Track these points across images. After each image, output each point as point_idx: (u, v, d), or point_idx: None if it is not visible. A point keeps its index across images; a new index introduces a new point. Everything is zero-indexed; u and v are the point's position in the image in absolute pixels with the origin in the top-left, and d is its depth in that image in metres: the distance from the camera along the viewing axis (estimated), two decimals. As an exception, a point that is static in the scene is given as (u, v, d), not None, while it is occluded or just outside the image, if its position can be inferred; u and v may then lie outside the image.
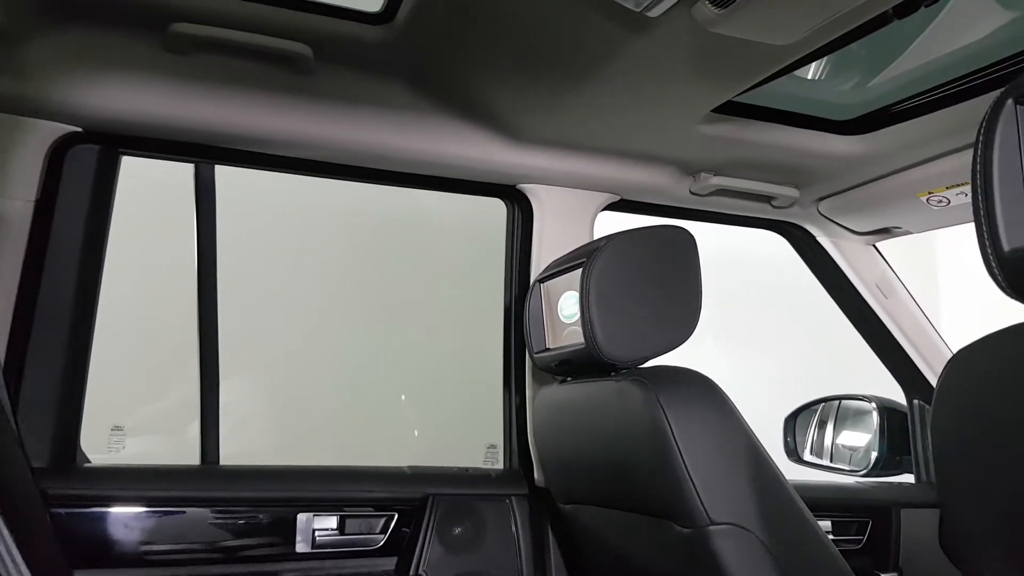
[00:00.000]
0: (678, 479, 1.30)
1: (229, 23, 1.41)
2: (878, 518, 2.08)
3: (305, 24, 1.44)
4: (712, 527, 1.29)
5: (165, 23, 1.39)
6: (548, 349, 1.64)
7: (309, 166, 1.72)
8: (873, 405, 2.29)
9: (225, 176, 1.77)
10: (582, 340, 1.45)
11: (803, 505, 1.36)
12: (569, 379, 1.65)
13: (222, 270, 1.76)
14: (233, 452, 1.78)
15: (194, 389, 1.72)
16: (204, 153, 1.66)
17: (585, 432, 1.54)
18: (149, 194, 1.83)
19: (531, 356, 1.68)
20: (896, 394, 2.28)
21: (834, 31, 1.26)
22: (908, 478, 2.26)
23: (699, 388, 1.37)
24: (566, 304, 1.57)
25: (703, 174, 1.84)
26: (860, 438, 2.38)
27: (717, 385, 1.37)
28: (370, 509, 1.74)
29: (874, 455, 2.25)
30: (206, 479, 1.68)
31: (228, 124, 1.57)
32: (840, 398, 2.43)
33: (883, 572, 2.03)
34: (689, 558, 1.35)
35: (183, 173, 1.73)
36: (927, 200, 1.85)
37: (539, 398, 1.73)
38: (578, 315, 1.46)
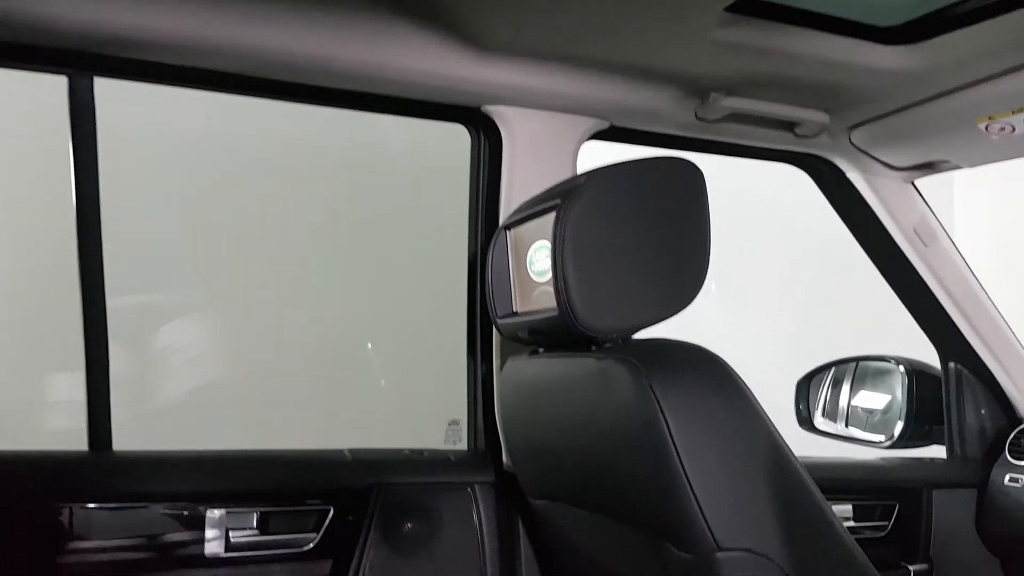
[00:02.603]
0: (676, 492, 0.99)
1: None
2: (906, 501, 1.79)
3: None
4: (720, 553, 0.99)
5: None
6: (515, 313, 1.31)
7: (217, 80, 1.35)
8: (900, 368, 1.99)
9: (123, 93, 1.41)
10: (555, 305, 1.12)
11: (836, 520, 1.05)
12: (542, 351, 1.32)
13: (124, 215, 1.42)
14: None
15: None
16: (79, 62, 1.30)
17: (559, 419, 1.22)
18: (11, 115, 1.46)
19: (495, 323, 1.35)
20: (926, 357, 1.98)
21: None
22: (937, 451, 1.97)
23: (705, 372, 1.04)
24: (537, 258, 1.23)
25: (714, 94, 1.48)
26: (882, 403, 2.08)
27: (728, 366, 1.05)
28: (299, 503, 1.44)
29: (899, 425, 1.95)
30: (93, 468, 1.37)
31: (109, 24, 1.20)
32: (860, 359, 2.13)
33: (911, 563, 1.75)
34: None
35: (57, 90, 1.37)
36: (986, 127, 1.50)
37: (506, 371, 1.41)
38: (550, 274, 1.13)
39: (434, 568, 1.49)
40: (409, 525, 1.49)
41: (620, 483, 1.10)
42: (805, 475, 1.05)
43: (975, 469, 1.85)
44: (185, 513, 1.35)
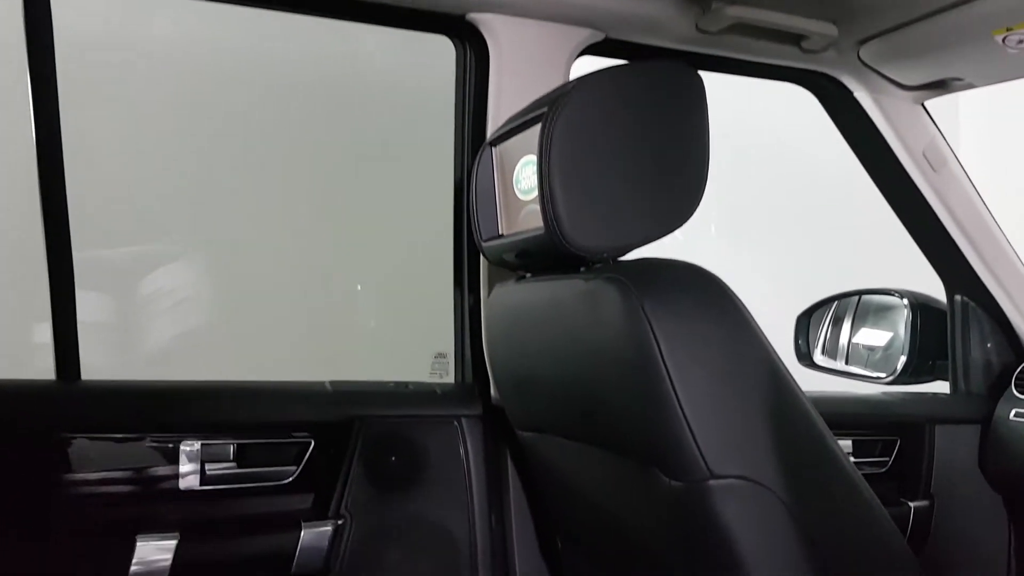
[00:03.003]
0: (667, 418, 0.93)
1: None
2: (908, 436, 1.74)
3: None
4: (713, 481, 0.93)
5: None
6: (501, 236, 1.23)
7: None
8: (904, 301, 1.92)
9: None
10: (542, 224, 1.04)
11: (840, 453, 0.99)
12: (529, 276, 1.25)
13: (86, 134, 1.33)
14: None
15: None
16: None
17: (546, 346, 1.15)
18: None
19: (479, 246, 1.27)
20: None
21: None
22: (940, 388, 1.91)
23: (700, 291, 0.97)
24: (523, 174, 1.15)
25: (716, 3, 1.38)
26: (884, 340, 2.01)
27: (725, 286, 0.98)
28: (279, 435, 1.38)
29: (902, 360, 1.89)
30: (60, 398, 1.30)
31: None
32: (862, 293, 2.06)
33: (912, 500, 1.70)
34: (679, 516, 0.99)
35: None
36: (1003, 40, 1.41)
37: (492, 299, 1.34)
38: (538, 190, 1.05)
39: (419, 502, 1.44)
40: (393, 459, 1.44)
41: (609, 410, 1.03)
42: (807, 403, 0.98)
43: (979, 404, 1.79)
44: (158, 445, 1.30)
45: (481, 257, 1.47)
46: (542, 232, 1.04)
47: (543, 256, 1.12)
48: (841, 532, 0.98)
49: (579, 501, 1.27)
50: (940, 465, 1.73)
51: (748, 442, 0.94)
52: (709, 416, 0.93)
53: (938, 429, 1.74)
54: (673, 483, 0.97)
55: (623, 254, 1.07)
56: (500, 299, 1.31)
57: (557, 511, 1.39)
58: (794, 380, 0.98)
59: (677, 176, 1.04)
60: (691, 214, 1.05)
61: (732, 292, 0.97)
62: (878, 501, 1.01)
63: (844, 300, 2.06)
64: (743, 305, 0.97)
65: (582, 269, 1.08)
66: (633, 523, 1.13)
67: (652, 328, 0.92)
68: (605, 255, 1.04)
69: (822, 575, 0.96)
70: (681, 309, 0.95)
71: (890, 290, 1.96)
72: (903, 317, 1.92)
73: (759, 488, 0.94)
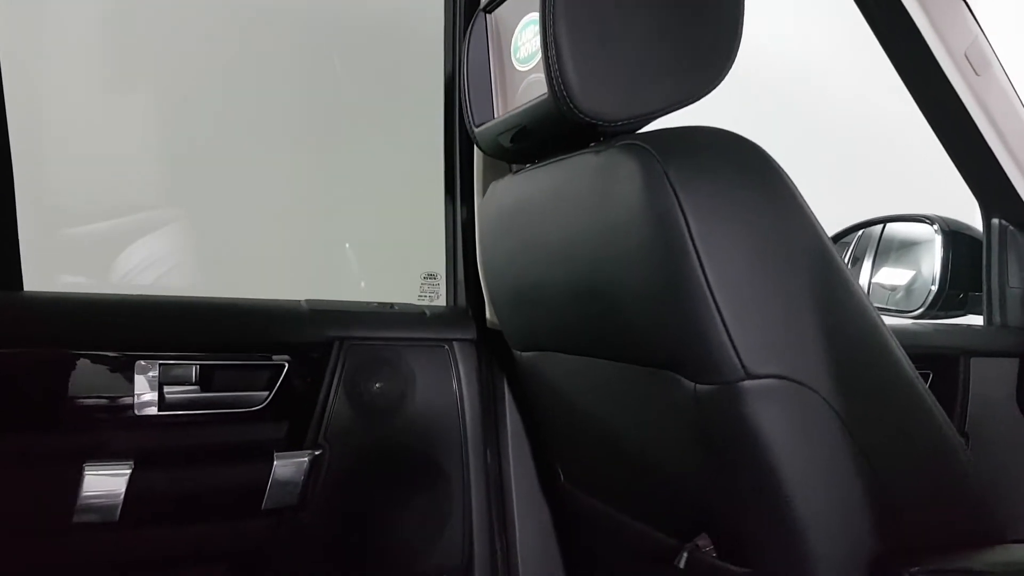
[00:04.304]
0: (695, 310, 0.78)
1: None
2: (941, 369, 1.59)
3: None
4: (748, 382, 0.78)
5: None
6: (497, 117, 1.07)
7: None
8: (935, 227, 1.76)
9: None
10: (545, 91, 0.88)
11: (902, 354, 0.84)
12: (528, 166, 1.09)
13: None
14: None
15: None
16: None
17: (548, 244, 1.00)
18: None
19: (471, 134, 1.12)
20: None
21: None
22: (972, 322, 1.77)
23: (736, 157, 0.82)
24: (522, 39, 0.99)
25: None
26: (911, 271, 1.86)
27: (768, 154, 0.82)
28: (247, 356, 1.23)
29: (932, 291, 1.74)
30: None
31: None
32: (887, 220, 1.90)
33: None
34: (704, 425, 0.85)
35: None
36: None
37: (486, 201, 1.19)
38: (539, 55, 0.89)
39: (406, 433, 1.29)
40: (377, 385, 1.29)
41: (624, 310, 0.88)
42: (863, 296, 0.83)
43: (1017, 337, 1.65)
44: (111, 365, 1.15)
45: (475, 159, 1.31)
46: (545, 100, 0.89)
47: (546, 132, 0.96)
48: (897, 444, 0.84)
49: (585, 424, 1.12)
50: (976, 400, 1.59)
51: (792, 337, 0.79)
52: (746, 306, 0.78)
53: (973, 362, 1.59)
54: (699, 387, 0.82)
55: (641, 125, 0.91)
56: (495, 198, 1.15)
57: (559, 439, 1.24)
58: (848, 269, 0.83)
59: (705, 30, 0.88)
60: (721, 78, 0.89)
61: (776, 162, 0.82)
62: (945, 417, 0.86)
63: (868, 229, 1.91)
64: (789, 178, 0.82)
65: (592, 145, 0.93)
66: (647, 441, 0.98)
67: (679, 201, 0.77)
68: (620, 124, 0.88)
69: (872, 485, 0.81)
70: (714, 178, 0.79)
71: (919, 216, 1.81)
72: (933, 245, 1.77)
73: (803, 389, 0.79)
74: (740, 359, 0.78)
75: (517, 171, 1.11)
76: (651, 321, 0.85)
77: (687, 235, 0.77)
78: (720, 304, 0.77)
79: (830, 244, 0.82)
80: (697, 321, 0.78)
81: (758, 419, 0.78)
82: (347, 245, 1.80)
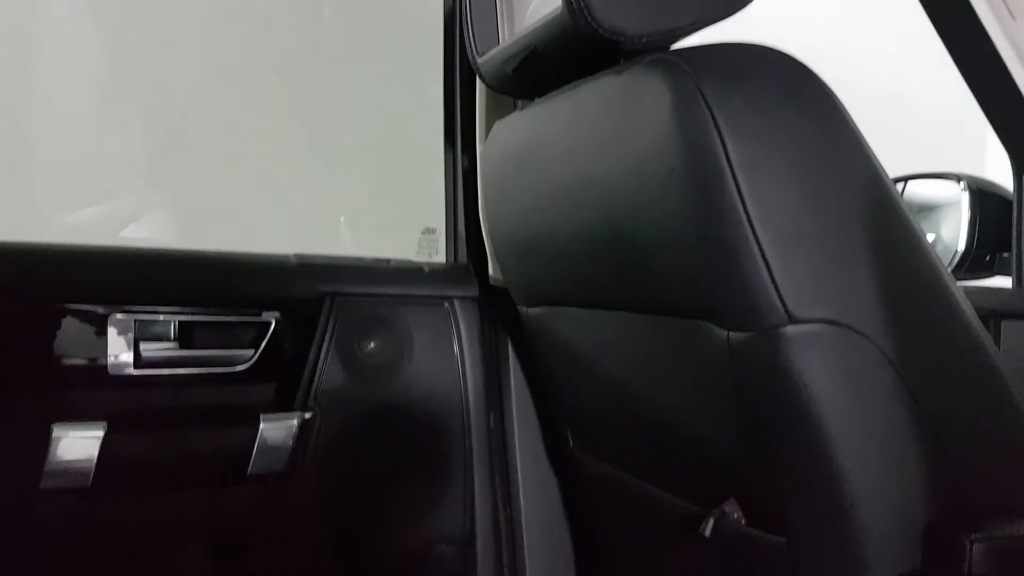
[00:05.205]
0: (732, 248, 0.69)
1: None
2: None
3: None
4: (791, 328, 0.69)
5: None
6: (503, 43, 0.97)
7: None
8: (961, 184, 1.67)
9: None
10: (559, 5, 0.79)
11: (962, 299, 0.75)
12: (538, 99, 0.99)
13: None
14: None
15: None
16: None
17: (559, 181, 0.90)
18: None
19: (474, 64, 1.02)
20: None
21: None
22: (998, 283, 1.68)
23: (779, 73, 0.72)
24: (532, -46, 0.89)
25: None
26: (934, 231, 1.78)
27: (816, 75, 0.73)
28: (231, 312, 1.14)
29: (957, 252, 1.65)
30: None
31: None
32: (908, 178, 1.81)
33: None
34: (737, 376, 0.75)
35: None
36: None
37: (489, 142, 1.09)
38: None
39: (402, 393, 1.20)
40: (372, 344, 1.20)
41: (649, 250, 0.79)
42: (920, 234, 0.74)
43: None
44: (81, 318, 1.05)
45: (478, 98, 1.22)
46: (559, 15, 0.79)
47: (559, 54, 0.86)
48: (956, 397, 0.75)
49: (599, 384, 1.03)
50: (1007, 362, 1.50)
51: (843, 277, 0.70)
52: (792, 242, 0.69)
53: (1004, 324, 1.51)
54: (733, 335, 0.73)
55: (668, 43, 0.81)
56: (499, 140, 1.05)
57: (569, 401, 1.16)
58: (898, 194, 0.74)
59: None
60: None
61: (826, 84, 0.72)
62: (1007, 368, 0.77)
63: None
64: (841, 102, 0.72)
65: (612, 67, 0.83)
66: (670, 399, 0.89)
67: (716, 122, 0.68)
68: (644, 40, 0.78)
69: (928, 442, 0.72)
70: (757, 97, 0.70)
71: (944, 173, 1.72)
72: (959, 204, 1.68)
73: (853, 335, 0.70)
74: (783, 302, 0.69)
75: (524, 107, 1.01)
76: (680, 264, 0.76)
77: (725, 162, 0.68)
78: (762, 240, 0.68)
79: (886, 176, 0.73)
80: (734, 260, 0.69)
81: (802, 369, 0.69)
82: (337, 197, 1.69)
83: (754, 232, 0.68)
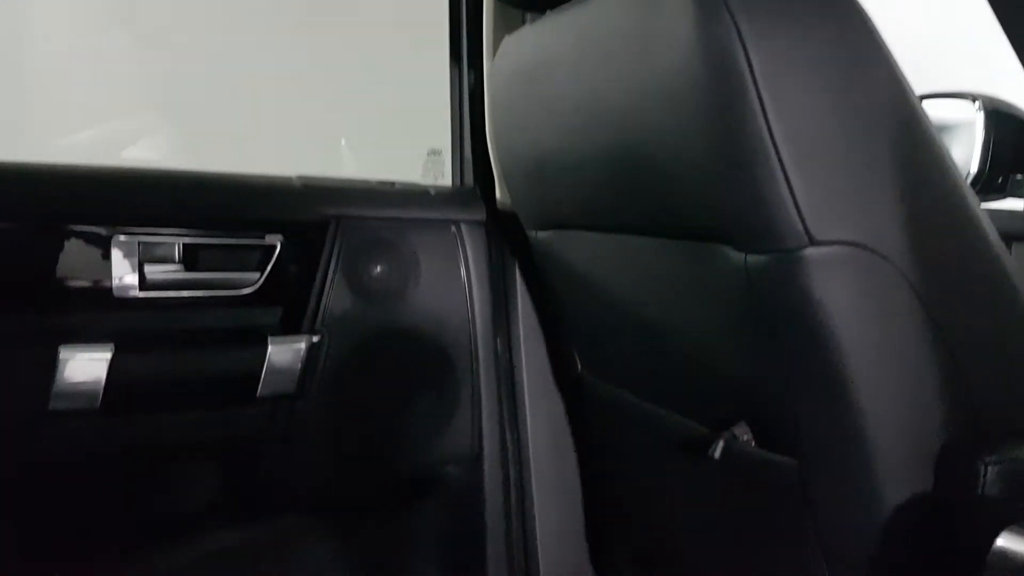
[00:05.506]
0: (754, 165, 0.67)
1: None
2: None
3: None
4: (811, 250, 0.68)
5: None
6: None
7: None
8: (977, 105, 1.63)
9: None
10: None
11: (988, 224, 0.74)
12: (549, 11, 0.96)
13: None
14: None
15: None
16: None
17: (572, 98, 0.88)
18: None
19: None
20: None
21: None
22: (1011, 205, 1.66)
23: None
24: None
25: None
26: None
27: None
28: (236, 234, 1.12)
29: (971, 172, 1.62)
30: None
31: None
32: (921, 98, 1.76)
33: None
34: (753, 300, 0.74)
35: None
36: None
37: (498, 58, 1.05)
38: None
39: (410, 317, 1.20)
40: (378, 268, 1.19)
41: (666, 170, 0.77)
42: (948, 158, 0.72)
43: None
44: (84, 239, 1.04)
45: (485, 13, 1.18)
46: None
47: None
48: (975, 319, 0.74)
49: (609, 308, 1.03)
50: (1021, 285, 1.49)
51: (867, 198, 0.69)
52: (815, 161, 0.67)
53: (1015, 247, 1.49)
54: (750, 258, 0.72)
55: None
56: (508, 56, 1.02)
57: (578, 326, 1.15)
58: (932, 125, 0.72)
59: None
60: None
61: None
62: None
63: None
64: (871, 19, 0.69)
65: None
66: (682, 323, 0.89)
67: (740, 36, 0.65)
68: None
69: (947, 368, 0.72)
70: (782, 7, 0.67)
71: (959, 93, 1.67)
72: (973, 125, 1.64)
73: (875, 258, 0.69)
74: (804, 223, 0.67)
75: (534, 20, 0.98)
76: (698, 184, 0.74)
77: (748, 76, 0.65)
78: (784, 158, 0.66)
79: (914, 97, 0.70)
80: (755, 179, 0.67)
81: (821, 293, 0.68)
82: (339, 118, 1.65)
83: (776, 150, 0.66)
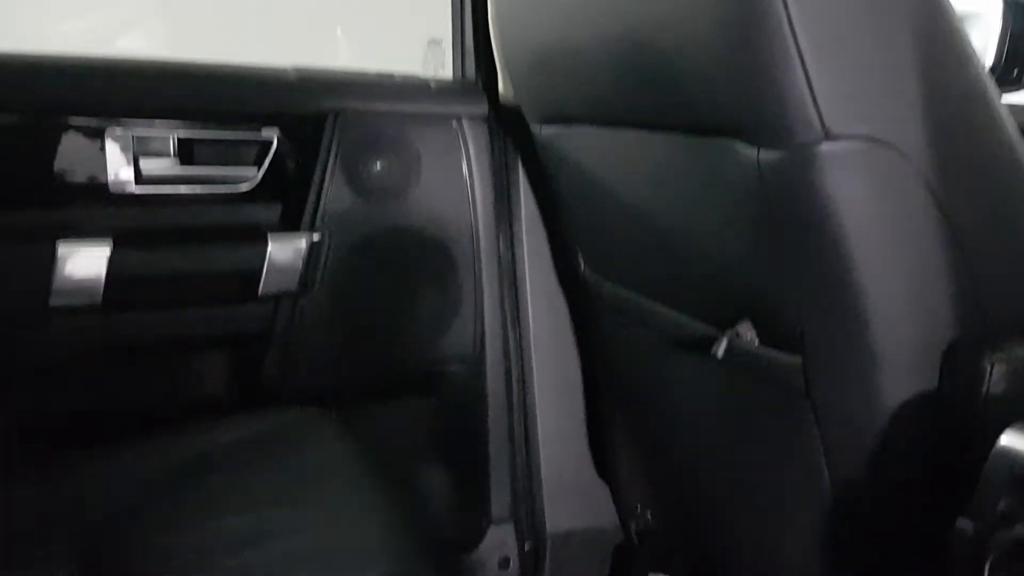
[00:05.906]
0: (769, 53, 0.64)
1: None
2: None
3: None
4: (827, 145, 0.65)
5: None
6: None
7: None
8: (997, -7, 1.57)
9: None
10: None
11: (1008, 118, 0.71)
12: None
13: None
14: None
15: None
16: None
17: None
18: None
19: None
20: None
21: None
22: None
23: None
24: None
25: None
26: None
27: None
28: (231, 128, 1.09)
29: (988, 62, 1.58)
30: None
31: None
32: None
33: None
34: (764, 197, 0.73)
35: None
36: None
37: None
38: None
39: (411, 214, 1.18)
40: (379, 164, 1.16)
41: (675, 58, 0.74)
42: (972, 52, 0.69)
43: None
44: (75, 133, 1.01)
45: None
46: None
47: None
48: (989, 217, 0.73)
49: (615, 205, 1.01)
50: None
51: (887, 91, 0.66)
52: (834, 48, 0.64)
53: None
54: (762, 153, 0.70)
55: None
56: None
57: (582, 224, 1.13)
58: (957, 17, 0.69)
59: None
60: None
61: None
62: None
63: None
64: None
65: None
66: (690, 220, 0.87)
67: None
68: None
69: (959, 272, 0.71)
70: None
71: (977, -17, 1.61)
72: (992, 15, 1.59)
73: (894, 156, 0.67)
74: (820, 115, 0.64)
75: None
76: (711, 74, 0.71)
77: None
78: (802, 45, 0.63)
79: None
80: (770, 67, 0.64)
81: (836, 189, 0.66)
82: (336, 4, 1.58)
83: (794, 36, 0.63)
